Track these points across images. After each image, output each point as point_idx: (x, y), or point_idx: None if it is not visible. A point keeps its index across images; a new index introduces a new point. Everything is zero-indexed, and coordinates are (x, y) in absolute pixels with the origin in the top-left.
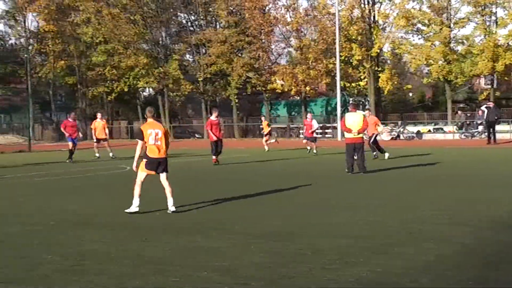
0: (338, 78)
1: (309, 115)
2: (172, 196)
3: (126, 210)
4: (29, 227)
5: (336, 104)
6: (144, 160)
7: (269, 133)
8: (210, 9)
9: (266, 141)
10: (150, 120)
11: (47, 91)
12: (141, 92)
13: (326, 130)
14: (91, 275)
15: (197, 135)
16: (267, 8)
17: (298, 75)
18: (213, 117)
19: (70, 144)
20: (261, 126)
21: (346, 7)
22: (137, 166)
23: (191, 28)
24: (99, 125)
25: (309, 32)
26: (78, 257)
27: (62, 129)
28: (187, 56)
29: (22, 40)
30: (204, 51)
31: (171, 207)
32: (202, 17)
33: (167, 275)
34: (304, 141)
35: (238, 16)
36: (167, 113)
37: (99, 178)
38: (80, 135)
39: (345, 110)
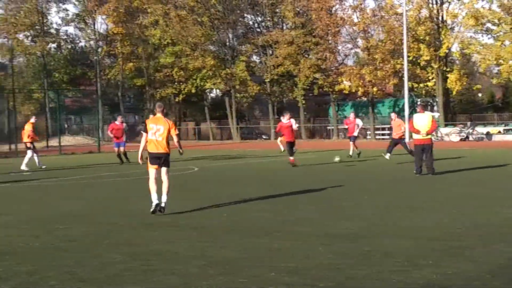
0: (405, 78)
1: (351, 114)
2: (167, 194)
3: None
4: (99, 227)
5: (403, 105)
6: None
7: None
8: (277, 10)
9: (281, 141)
10: (158, 115)
11: (116, 93)
12: (208, 94)
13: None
14: (160, 275)
15: (264, 136)
16: (334, 8)
17: (365, 76)
18: (284, 120)
19: (116, 149)
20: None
21: (414, 7)
22: (141, 158)
23: (258, 29)
24: None
25: (376, 32)
26: (147, 257)
27: (108, 132)
28: (254, 57)
29: (91, 42)
30: (271, 52)
31: (162, 204)
32: (269, 18)
33: (235, 275)
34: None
35: (305, 17)
36: (234, 114)
37: None
38: (124, 138)
39: (412, 111)
